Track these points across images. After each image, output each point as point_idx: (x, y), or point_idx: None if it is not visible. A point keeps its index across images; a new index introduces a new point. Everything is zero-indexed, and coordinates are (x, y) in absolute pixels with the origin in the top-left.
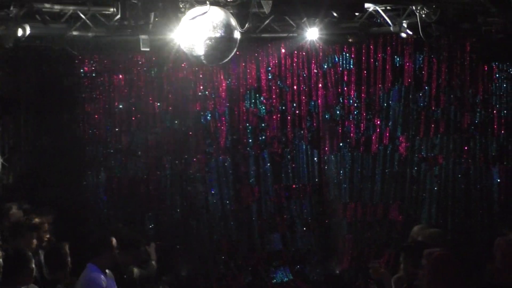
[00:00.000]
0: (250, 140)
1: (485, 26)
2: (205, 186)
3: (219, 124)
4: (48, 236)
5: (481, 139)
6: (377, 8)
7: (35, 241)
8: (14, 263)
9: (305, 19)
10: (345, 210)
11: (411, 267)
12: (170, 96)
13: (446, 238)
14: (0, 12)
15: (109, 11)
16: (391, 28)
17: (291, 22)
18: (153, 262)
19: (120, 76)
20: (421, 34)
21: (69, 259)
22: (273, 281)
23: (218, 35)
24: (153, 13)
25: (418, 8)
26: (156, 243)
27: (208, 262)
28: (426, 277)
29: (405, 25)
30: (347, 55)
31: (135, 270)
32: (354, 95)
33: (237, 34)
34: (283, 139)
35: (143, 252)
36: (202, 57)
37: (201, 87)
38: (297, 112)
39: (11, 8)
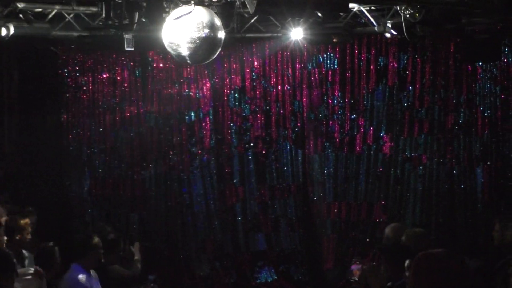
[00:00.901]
0: (235, 140)
1: (469, 26)
2: (190, 186)
3: (203, 124)
4: (30, 236)
5: (465, 139)
6: (362, 8)
7: (5, 238)
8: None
9: (289, 19)
10: (329, 210)
11: (392, 269)
12: (154, 96)
13: (430, 238)
14: None
15: (93, 10)
16: (376, 28)
17: (276, 22)
18: (138, 262)
19: (104, 76)
20: (405, 34)
21: (59, 260)
22: (257, 281)
23: (202, 35)
24: (137, 13)
25: (403, 8)
26: (141, 243)
27: (193, 262)
28: (410, 278)
29: (389, 25)
30: (332, 55)
31: (122, 270)
32: (338, 95)
33: (221, 34)
34: (268, 139)
35: (127, 252)
36: (187, 57)
37: (185, 87)
38: (281, 112)
39: None
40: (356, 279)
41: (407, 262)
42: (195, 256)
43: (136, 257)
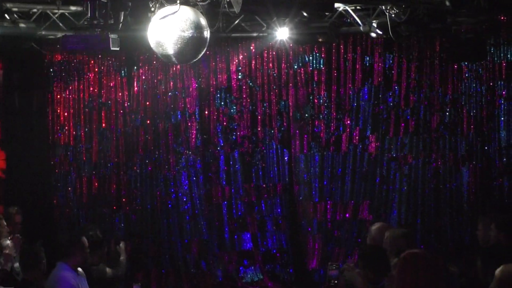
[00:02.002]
0: (221, 140)
1: (455, 26)
2: (176, 185)
3: (189, 124)
4: (6, 228)
5: (451, 138)
6: (347, 8)
7: None
8: None
9: (275, 18)
10: (315, 209)
11: (372, 272)
12: (140, 95)
13: (410, 239)
14: None
15: (78, 10)
16: (361, 28)
17: (261, 22)
18: (123, 262)
19: (90, 76)
20: (390, 34)
21: (44, 259)
22: (243, 280)
23: (188, 34)
24: (122, 13)
25: (388, 8)
26: (126, 242)
27: (179, 261)
28: (396, 276)
29: (375, 25)
30: (317, 54)
31: (108, 270)
32: (324, 95)
33: (207, 34)
34: (254, 139)
35: (113, 252)
36: (172, 57)
37: (171, 87)
38: (267, 111)
39: None
40: (336, 282)
41: (394, 260)
42: (181, 256)
43: (121, 257)
